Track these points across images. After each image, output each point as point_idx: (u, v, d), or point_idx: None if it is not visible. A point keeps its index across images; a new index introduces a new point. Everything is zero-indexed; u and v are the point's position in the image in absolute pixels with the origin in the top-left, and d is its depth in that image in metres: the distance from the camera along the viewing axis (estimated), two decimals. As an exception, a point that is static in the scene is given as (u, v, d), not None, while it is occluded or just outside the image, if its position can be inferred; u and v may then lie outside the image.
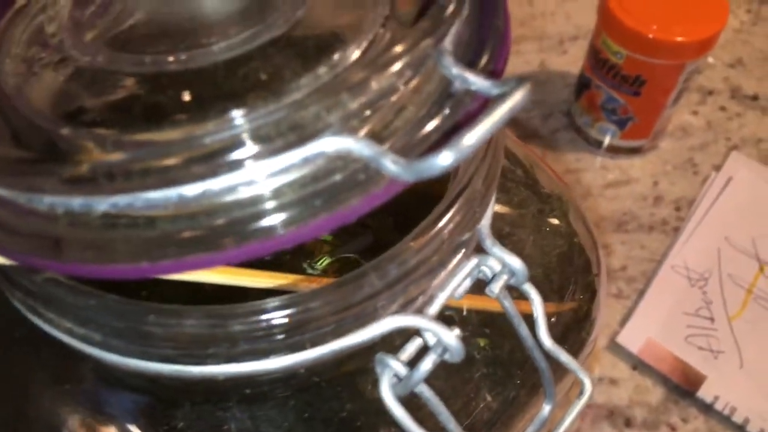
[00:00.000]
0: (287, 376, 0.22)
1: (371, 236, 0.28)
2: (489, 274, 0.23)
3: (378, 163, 0.16)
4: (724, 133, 0.59)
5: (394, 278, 0.20)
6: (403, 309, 0.21)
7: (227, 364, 0.19)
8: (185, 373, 0.20)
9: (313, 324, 0.19)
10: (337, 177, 0.16)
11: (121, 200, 0.16)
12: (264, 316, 0.19)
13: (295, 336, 0.19)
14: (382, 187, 0.16)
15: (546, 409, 0.25)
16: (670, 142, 0.59)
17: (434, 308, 0.21)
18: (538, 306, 0.24)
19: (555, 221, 0.29)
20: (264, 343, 0.19)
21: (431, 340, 0.21)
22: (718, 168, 0.56)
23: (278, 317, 0.19)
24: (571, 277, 0.28)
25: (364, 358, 0.23)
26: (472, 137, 0.15)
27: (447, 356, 0.21)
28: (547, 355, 0.24)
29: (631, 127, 0.55)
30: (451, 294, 0.21)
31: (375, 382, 0.23)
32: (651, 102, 0.53)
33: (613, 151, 0.57)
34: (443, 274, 0.21)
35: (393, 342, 0.23)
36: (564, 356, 0.24)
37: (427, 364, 0.20)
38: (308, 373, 0.22)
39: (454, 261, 0.21)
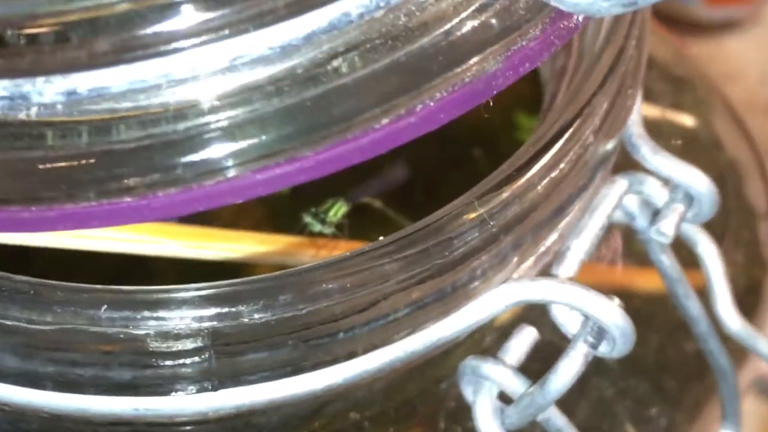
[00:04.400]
0: (306, 412, 0.22)
1: (404, 169, 0.28)
2: (634, 210, 0.24)
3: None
4: None
5: (509, 221, 0.20)
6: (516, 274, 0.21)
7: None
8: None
9: (378, 308, 0.19)
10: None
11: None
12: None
13: (352, 330, 0.19)
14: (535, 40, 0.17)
15: (727, 439, 0.26)
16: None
17: (569, 267, 0.22)
18: (715, 263, 0.24)
19: (690, 122, 0.30)
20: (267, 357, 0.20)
21: (572, 323, 0.21)
22: None
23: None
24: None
25: (433, 372, 0.23)
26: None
27: (603, 348, 0.21)
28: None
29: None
30: (593, 242, 0.22)
31: (454, 414, 0.24)
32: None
33: (694, 29, 0.59)
34: (575, 210, 0.22)
35: (478, 340, 0.23)
36: (765, 344, 0.25)
37: (572, 365, 0.21)
38: (345, 405, 0.23)
39: (592, 187, 0.22)
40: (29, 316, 0.18)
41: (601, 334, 0.21)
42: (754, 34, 0.60)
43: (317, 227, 0.24)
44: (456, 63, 0.17)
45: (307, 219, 0.24)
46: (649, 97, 0.29)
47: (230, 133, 0.17)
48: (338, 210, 0.24)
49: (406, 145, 0.26)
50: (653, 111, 0.30)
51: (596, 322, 0.20)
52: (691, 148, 0.30)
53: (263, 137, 0.17)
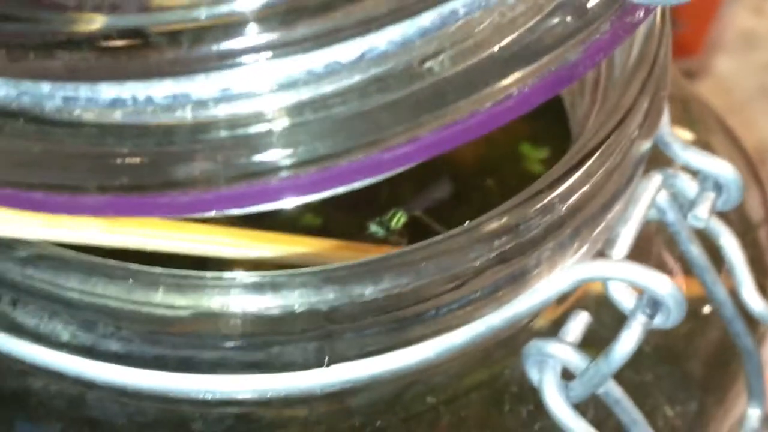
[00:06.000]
0: (390, 395, 0.25)
1: (448, 185, 0.31)
2: (665, 205, 0.27)
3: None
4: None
5: (573, 207, 0.23)
6: (576, 257, 0.24)
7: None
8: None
9: (468, 285, 0.22)
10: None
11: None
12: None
13: (446, 306, 0.22)
14: (606, 33, 0.20)
15: (754, 415, 0.29)
16: (731, 61, 0.66)
17: (620, 250, 0.25)
18: (737, 252, 0.27)
19: (687, 136, 0.33)
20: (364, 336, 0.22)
21: (627, 299, 0.24)
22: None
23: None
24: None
25: (498, 360, 0.26)
26: None
27: (658, 319, 0.23)
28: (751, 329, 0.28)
29: (673, 40, 0.62)
30: (638, 228, 0.25)
31: (518, 397, 0.26)
32: (700, -5, 0.60)
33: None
34: (620, 202, 0.24)
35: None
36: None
37: (633, 335, 0.23)
38: (424, 389, 0.25)
39: (636, 180, 0.25)
40: (169, 302, 0.20)
41: (656, 306, 0.23)
42: (707, 83, 0.64)
43: (382, 234, 0.27)
44: (543, 54, 0.20)
45: (373, 227, 0.27)
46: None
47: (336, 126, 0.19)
48: (399, 219, 0.27)
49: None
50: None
51: (651, 294, 0.23)
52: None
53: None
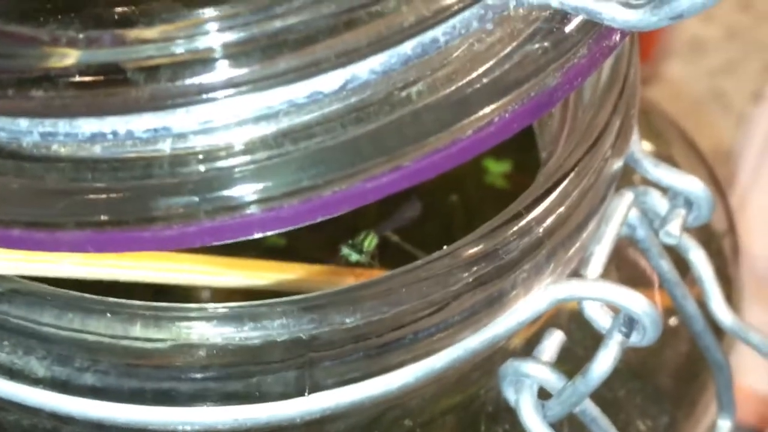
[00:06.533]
0: (368, 420, 0.24)
1: (418, 204, 0.31)
2: (635, 222, 0.27)
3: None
4: (754, 44, 0.68)
5: (550, 227, 0.23)
6: (551, 278, 0.24)
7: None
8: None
9: (448, 309, 0.22)
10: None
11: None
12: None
13: (427, 330, 0.22)
14: (584, 58, 0.20)
15: (724, 427, 0.29)
16: (680, 66, 0.66)
17: (594, 269, 0.25)
18: (706, 266, 0.28)
19: (649, 148, 0.33)
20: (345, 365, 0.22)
21: (603, 318, 0.24)
22: (757, 97, 0.64)
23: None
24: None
25: (474, 381, 0.26)
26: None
27: (635, 337, 0.23)
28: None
29: (624, 46, 0.62)
30: (611, 246, 0.25)
31: (493, 417, 0.26)
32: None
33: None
34: (594, 221, 0.24)
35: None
36: (756, 335, 0.28)
37: (610, 353, 0.23)
38: (401, 413, 0.25)
39: (608, 199, 0.25)
40: (147, 335, 0.20)
41: (631, 324, 0.23)
42: (658, 89, 0.65)
43: (354, 257, 0.27)
44: (523, 80, 0.20)
45: (345, 250, 0.27)
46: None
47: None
48: (371, 241, 0.27)
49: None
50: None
51: (627, 312, 0.23)
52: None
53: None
